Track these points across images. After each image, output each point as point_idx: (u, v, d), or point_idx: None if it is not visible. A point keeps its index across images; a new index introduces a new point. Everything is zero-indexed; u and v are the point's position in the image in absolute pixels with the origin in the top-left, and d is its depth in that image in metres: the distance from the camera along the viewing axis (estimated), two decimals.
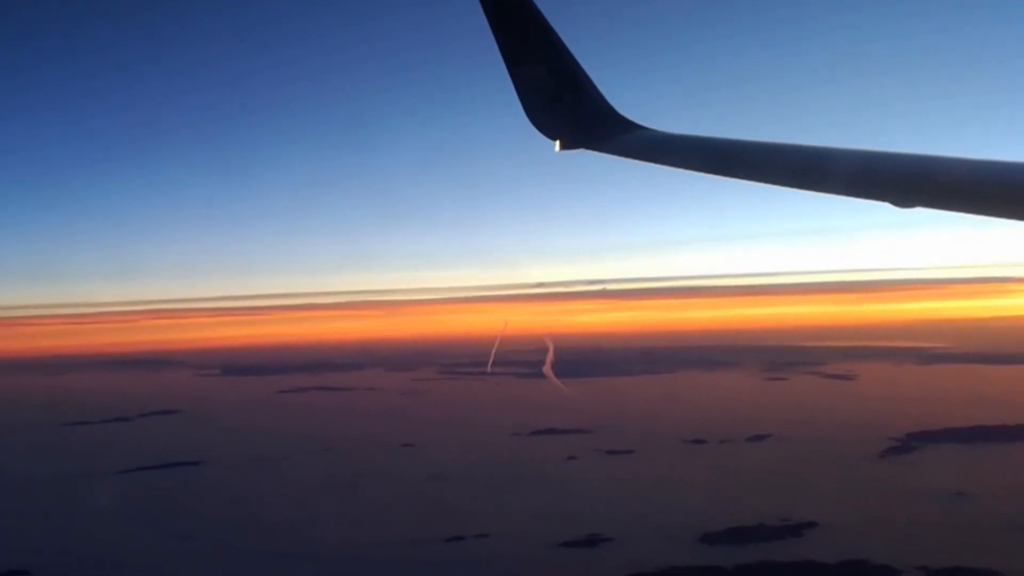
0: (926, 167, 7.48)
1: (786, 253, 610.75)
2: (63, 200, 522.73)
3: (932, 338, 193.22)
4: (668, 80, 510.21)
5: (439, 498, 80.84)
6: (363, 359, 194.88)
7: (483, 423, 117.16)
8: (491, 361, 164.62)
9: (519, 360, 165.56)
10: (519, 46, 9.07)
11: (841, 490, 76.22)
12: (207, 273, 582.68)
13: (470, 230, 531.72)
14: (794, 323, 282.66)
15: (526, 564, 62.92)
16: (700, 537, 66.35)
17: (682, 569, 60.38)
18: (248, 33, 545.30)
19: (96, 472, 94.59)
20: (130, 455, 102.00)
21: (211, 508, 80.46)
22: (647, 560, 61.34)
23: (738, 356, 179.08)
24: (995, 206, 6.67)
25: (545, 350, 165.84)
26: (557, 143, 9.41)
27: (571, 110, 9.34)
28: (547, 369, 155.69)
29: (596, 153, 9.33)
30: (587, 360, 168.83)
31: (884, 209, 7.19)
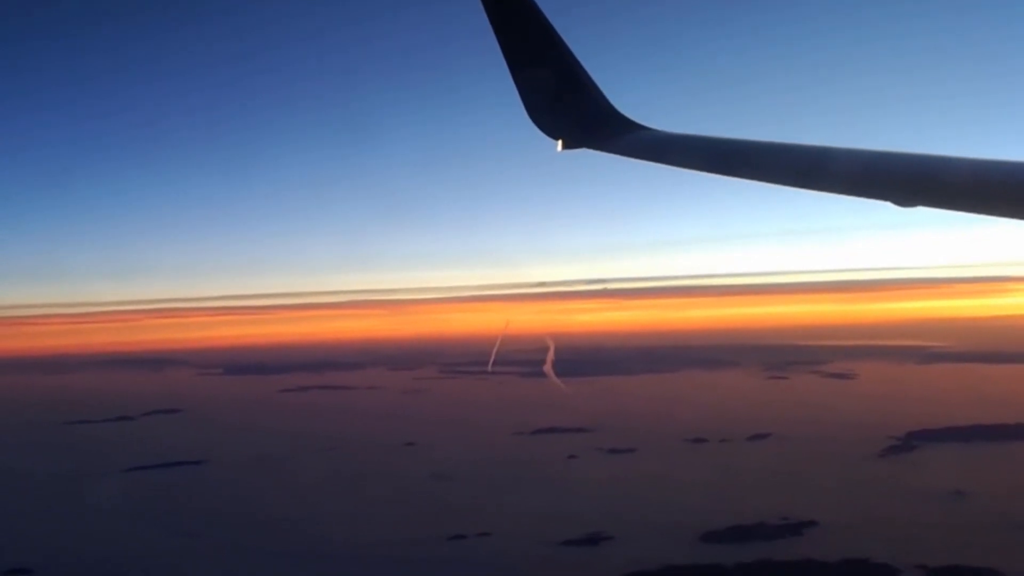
0: (927, 166, 7.51)
1: (786, 253, 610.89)
2: (65, 200, 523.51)
3: (932, 337, 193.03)
4: (669, 80, 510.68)
5: (441, 497, 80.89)
6: (365, 358, 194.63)
7: (485, 422, 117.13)
8: (492, 360, 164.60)
9: (520, 359, 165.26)
10: (521, 46, 9.10)
11: (841, 489, 76.25)
12: (209, 272, 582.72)
13: (472, 230, 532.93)
14: (795, 322, 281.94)
15: (527, 562, 62.99)
16: (701, 536, 66.39)
17: (683, 568, 60.37)
18: (250, 33, 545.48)
19: (98, 471, 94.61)
20: (132, 454, 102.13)
21: (213, 507, 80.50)
22: (648, 559, 61.32)
23: (739, 355, 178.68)
24: (996, 206, 6.71)
25: (546, 349, 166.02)
26: (559, 143, 9.44)
27: (573, 110, 9.35)
28: (548, 368, 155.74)
29: (598, 153, 9.35)
30: (588, 359, 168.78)
31: (885, 209, 7.23)
